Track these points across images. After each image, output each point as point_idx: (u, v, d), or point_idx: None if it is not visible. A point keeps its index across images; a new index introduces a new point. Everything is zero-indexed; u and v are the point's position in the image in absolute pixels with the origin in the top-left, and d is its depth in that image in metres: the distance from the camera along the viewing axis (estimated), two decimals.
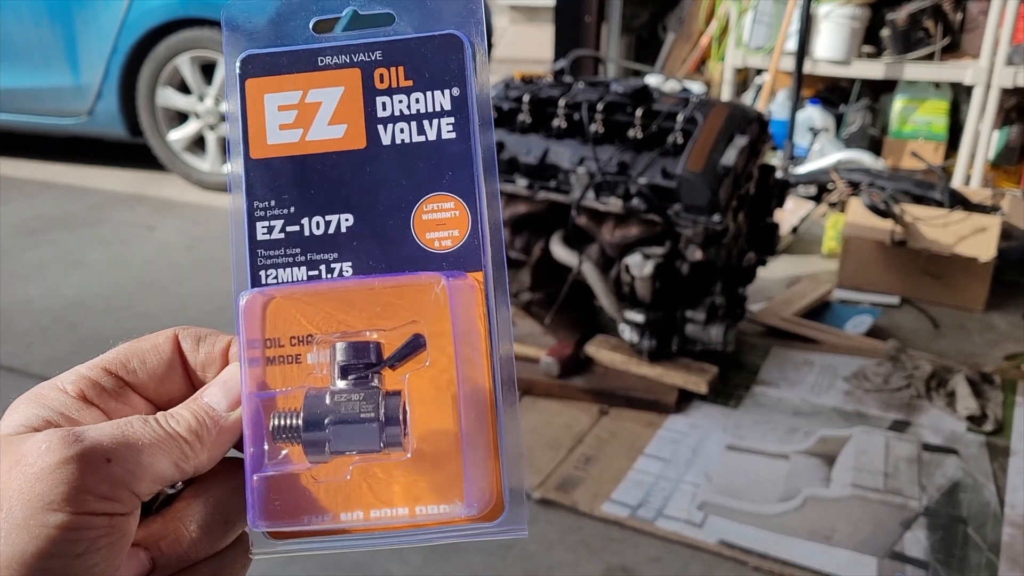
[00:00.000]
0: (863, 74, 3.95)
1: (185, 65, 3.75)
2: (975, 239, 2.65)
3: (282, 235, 0.42)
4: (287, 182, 0.42)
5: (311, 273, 0.41)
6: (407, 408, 0.39)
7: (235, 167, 0.42)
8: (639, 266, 2.05)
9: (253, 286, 0.41)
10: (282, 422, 0.38)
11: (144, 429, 0.36)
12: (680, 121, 2.06)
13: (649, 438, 2.00)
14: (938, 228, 2.69)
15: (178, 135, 3.89)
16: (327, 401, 0.38)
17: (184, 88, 3.85)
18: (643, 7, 4.72)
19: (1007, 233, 2.81)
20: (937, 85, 3.92)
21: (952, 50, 3.86)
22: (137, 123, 3.91)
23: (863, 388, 2.21)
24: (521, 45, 5.26)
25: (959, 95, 3.95)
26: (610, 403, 2.13)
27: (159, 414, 0.38)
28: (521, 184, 2.18)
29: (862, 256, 2.85)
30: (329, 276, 0.41)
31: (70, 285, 2.85)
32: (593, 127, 2.12)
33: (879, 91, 4.17)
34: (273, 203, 0.42)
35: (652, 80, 2.45)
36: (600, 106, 2.14)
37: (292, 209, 0.42)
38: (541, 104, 2.25)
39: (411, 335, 0.39)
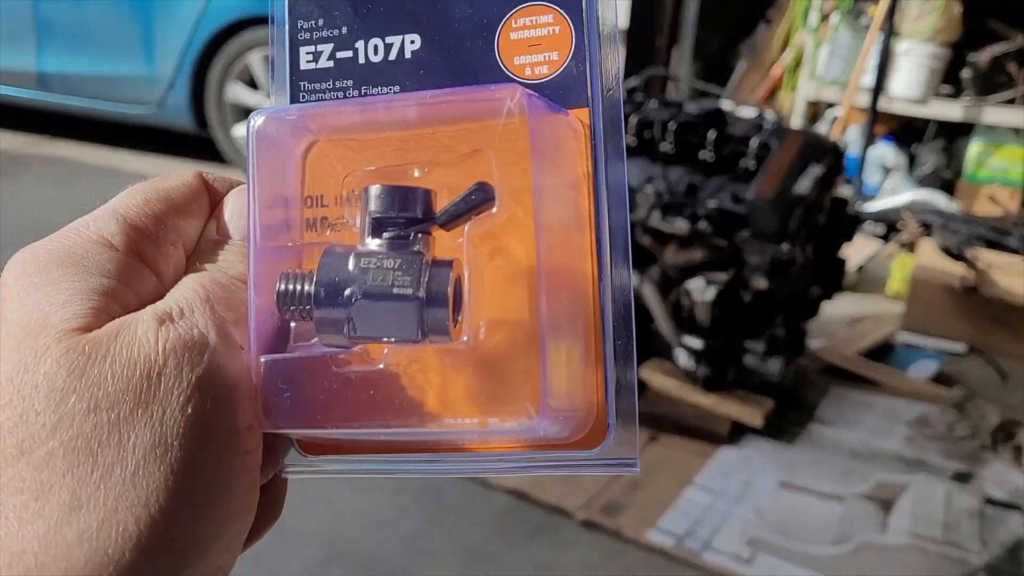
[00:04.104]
0: (940, 115, 3.86)
1: (256, 62, 3.78)
2: None
3: (331, 63, 0.33)
4: None
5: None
6: (462, 284, 0.29)
7: None
8: (701, 291, 2.00)
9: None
10: (290, 286, 0.28)
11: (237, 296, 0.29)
12: (754, 146, 2.02)
13: (699, 468, 1.94)
14: (1013, 276, 2.60)
15: (244, 131, 3.93)
16: (349, 265, 0.28)
17: (253, 85, 3.89)
18: (716, 32, 4.67)
19: None
20: (1016, 131, 3.81)
21: None
22: (204, 116, 3.96)
23: (925, 435, 2.13)
24: None
25: None
26: (660, 429, 2.08)
27: (221, 269, 0.31)
28: None
29: (930, 300, 2.76)
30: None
31: None
32: (664, 146, 2.08)
33: (954, 133, 4.06)
34: (321, 21, 0.33)
35: (725, 105, 2.41)
36: (672, 125, 2.10)
37: (344, 29, 0.33)
38: None
39: (474, 184, 0.28)
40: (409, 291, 0.27)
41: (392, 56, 0.32)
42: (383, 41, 0.33)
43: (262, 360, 0.29)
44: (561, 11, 0.31)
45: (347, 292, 0.28)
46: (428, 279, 0.28)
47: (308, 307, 0.28)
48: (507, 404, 0.28)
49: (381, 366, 0.29)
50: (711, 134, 2.07)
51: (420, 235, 0.29)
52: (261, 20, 3.73)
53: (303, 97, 0.33)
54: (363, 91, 0.33)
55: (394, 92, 0.32)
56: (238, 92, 3.87)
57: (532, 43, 0.31)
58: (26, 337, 0.26)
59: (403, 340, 0.28)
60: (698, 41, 4.43)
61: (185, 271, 0.31)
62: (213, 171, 0.35)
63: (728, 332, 2.08)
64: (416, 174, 0.30)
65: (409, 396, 0.29)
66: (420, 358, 0.29)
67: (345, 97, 0.33)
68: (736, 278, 2.00)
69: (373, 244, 0.29)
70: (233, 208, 0.33)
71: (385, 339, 0.28)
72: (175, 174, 0.33)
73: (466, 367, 0.29)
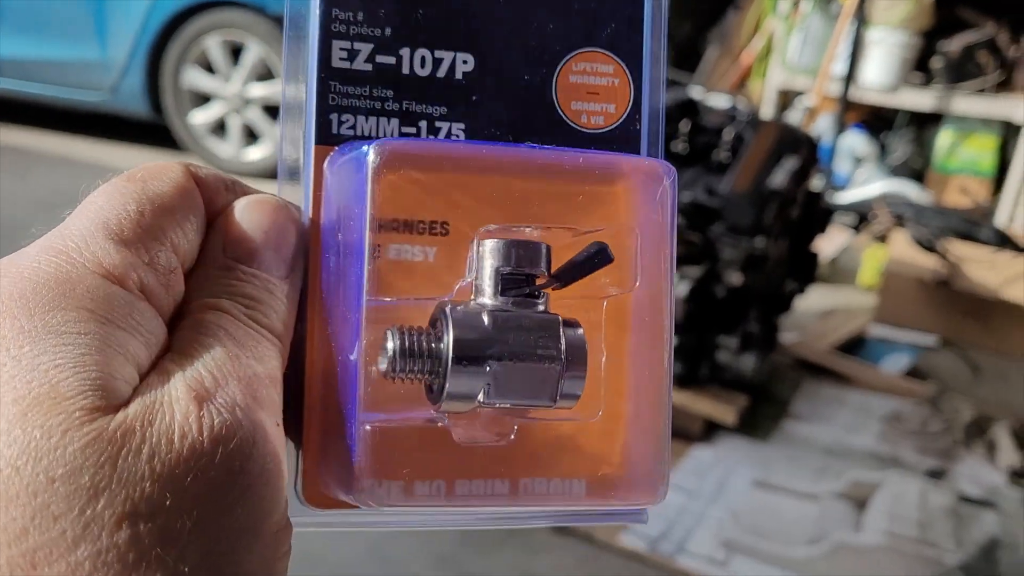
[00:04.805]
0: (910, 104, 3.85)
1: (213, 46, 3.68)
2: (1023, 283, 2.55)
3: (369, 66, 0.29)
4: None
5: (406, 130, 0.29)
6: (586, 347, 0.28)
7: None
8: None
9: (319, 134, 0.29)
10: (411, 344, 0.25)
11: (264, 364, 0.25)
12: (728, 138, 1.97)
13: (672, 467, 1.90)
14: (984, 269, 2.59)
15: (201, 117, 3.81)
16: (485, 322, 0.26)
17: (210, 69, 3.78)
18: (686, 18, 4.63)
19: None
20: (986, 121, 3.82)
21: (1005, 85, 3.75)
22: (160, 102, 3.85)
23: (899, 431, 2.11)
24: None
25: (1009, 132, 3.84)
26: None
27: (252, 318, 0.26)
28: None
29: (902, 293, 2.75)
30: (437, 137, 0.29)
31: None
32: None
33: (924, 122, 4.06)
34: (361, 16, 0.29)
35: (695, 94, 2.36)
36: None
37: (387, 31, 0.29)
38: None
39: (594, 244, 0.27)
40: (553, 352, 0.26)
41: (441, 73, 0.30)
42: (431, 54, 0.30)
43: (367, 427, 0.26)
44: (622, 64, 0.31)
45: (487, 352, 0.25)
46: (566, 341, 0.27)
47: (432, 368, 0.26)
48: (640, 485, 0.29)
49: (512, 438, 0.28)
50: (684, 125, 2.02)
51: (540, 294, 0.27)
52: (218, 3, 3.63)
53: (333, 100, 0.29)
54: (404, 105, 0.29)
55: (440, 113, 0.29)
56: (195, 77, 3.76)
57: (590, 90, 0.31)
58: (31, 410, 0.21)
59: (535, 405, 0.27)
60: (667, 27, 4.38)
61: (185, 299, 0.26)
62: (175, 160, 0.29)
63: (701, 328, 2.05)
64: (528, 230, 0.29)
65: (539, 471, 0.28)
66: (551, 431, 0.28)
67: (384, 109, 0.29)
68: (709, 273, 1.96)
69: (495, 301, 0.26)
70: (256, 225, 0.27)
71: (515, 404, 0.27)
72: (160, 169, 0.28)
73: (599, 442, 0.28)
